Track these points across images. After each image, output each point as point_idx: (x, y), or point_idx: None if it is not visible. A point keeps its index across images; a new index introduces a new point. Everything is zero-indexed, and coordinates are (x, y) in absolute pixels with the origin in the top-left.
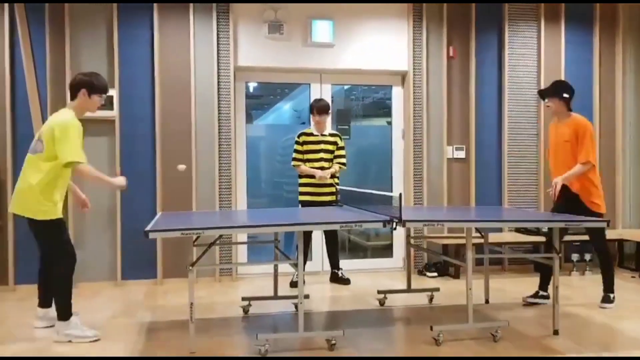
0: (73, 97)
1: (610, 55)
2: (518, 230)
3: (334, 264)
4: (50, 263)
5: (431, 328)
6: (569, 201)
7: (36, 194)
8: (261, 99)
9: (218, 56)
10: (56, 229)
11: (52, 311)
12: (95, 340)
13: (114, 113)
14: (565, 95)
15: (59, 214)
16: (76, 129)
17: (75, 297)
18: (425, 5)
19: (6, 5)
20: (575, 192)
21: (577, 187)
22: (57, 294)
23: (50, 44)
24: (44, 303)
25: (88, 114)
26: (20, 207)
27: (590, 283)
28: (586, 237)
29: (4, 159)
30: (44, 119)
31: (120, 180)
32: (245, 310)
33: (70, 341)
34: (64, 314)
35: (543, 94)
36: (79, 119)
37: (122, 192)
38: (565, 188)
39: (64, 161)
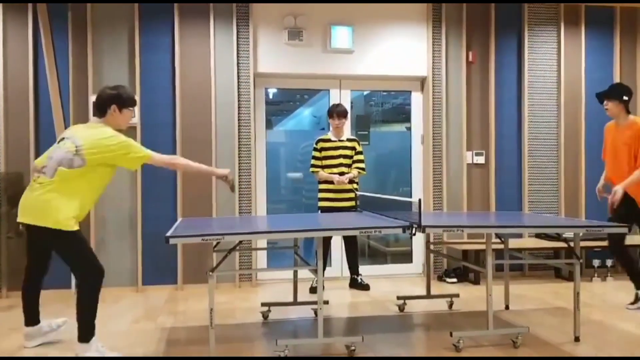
0: (103, 114)
1: (631, 58)
2: (538, 235)
3: (354, 270)
4: (78, 276)
5: (451, 334)
6: (626, 205)
7: (61, 203)
8: (281, 105)
9: (238, 63)
10: (81, 239)
11: (45, 326)
12: None
13: (135, 120)
14: (625, 97)
15: (77, 227)
16: (121, 135)
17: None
18: (445, 9)
19: (30, 12)
20: (632, 197)
21: (633, 191)
22: (82, 311)
23: (72, 51)
24: (33, 320)
25: None
26: (42, 218)
27: (612, 289)
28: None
29: (27, 167)
30: (66, 126)
31: (224, 169)
32: (265, 315)
33: None
34: (86, 334)
35: (602, 95)
36: None
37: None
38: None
39: (134, 168)
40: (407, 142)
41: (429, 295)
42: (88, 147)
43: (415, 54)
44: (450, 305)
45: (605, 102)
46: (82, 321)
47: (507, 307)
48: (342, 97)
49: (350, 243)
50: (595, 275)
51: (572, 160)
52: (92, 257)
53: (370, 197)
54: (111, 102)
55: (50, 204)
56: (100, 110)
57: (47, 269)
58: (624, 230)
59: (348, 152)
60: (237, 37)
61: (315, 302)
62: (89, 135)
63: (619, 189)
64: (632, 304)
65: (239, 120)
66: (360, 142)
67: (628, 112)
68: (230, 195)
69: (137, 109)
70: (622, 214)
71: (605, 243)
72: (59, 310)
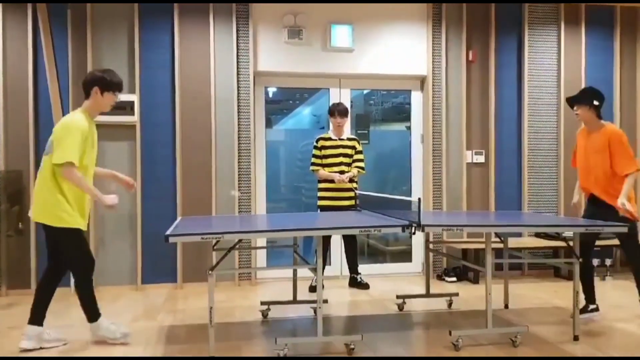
0: (87, 95)
1: (631, 58)
2: (538, 235)
3: (353, 269)
4: (71, 271)
5: (450, 333)
6: (600, 207)
7: (54, 198)
8: (280, 104)
9: (238, 61)
10: (75, 238)
11: (47, 333)
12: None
13: (134, 118)
14: (595, 102)
15: (78, 224)
16: (77, 130)
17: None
18: (445, 8)
19: (29, 11)
20: (609, 203)
21: (610, 199)
22: (81, 298)
23: (72, 50)
24: (38, 320)
25: (108, 119)
26: (39, 214)
27: (611, 288)
28: (607, 242)
29: (26, 165)
30: None
31: (111, 199)
32: (265, 314)
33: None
34: (93, 315)
35: (571, 101)
36: (94, 118)
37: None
38: (594, 196)
39: (54, 162)
40: (407, 141)
41: (428, 294)
42: (54, 132)
43: (415, 53)
44: (450, 304)
45: (575, 108)
46: (85, 307)
47: (506, 306)
48: (342, 96)
49: (349, 242)
50: (595, 274)
51: (571, 160)
52: (87, 249)
53: (370, 196)
54: (94, 84)
55: (47, 200)
56: (85, 91)
57: (61, 266)
58: (624, 229)
59: (348, 151)
60: (237, 36)
61: (314, 301)
62: (60, 121)
63: (624, 202)
64: (580, 311)
65: (238, 118)
66: (360, 141)
67: (599, 117)
68: (230, 194)
69: (136, 107)
70: (595, 216)
71: (605, 242)
72: (58, 310)
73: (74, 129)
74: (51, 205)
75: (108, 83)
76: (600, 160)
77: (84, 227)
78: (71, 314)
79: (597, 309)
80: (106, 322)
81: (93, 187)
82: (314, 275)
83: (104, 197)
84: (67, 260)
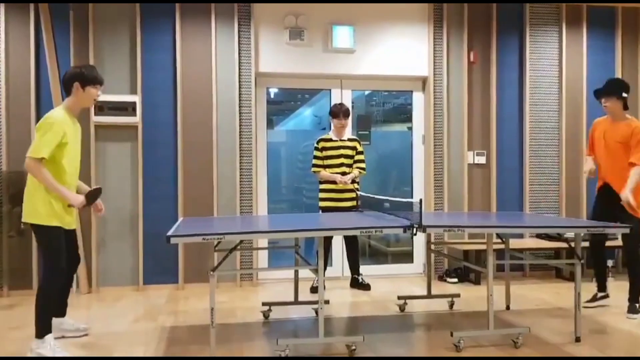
0: (68, 93)
1: (632, 58)
2: (539, 236)
3: (354, 270)
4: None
5: (451, 334)
6: (609, 202)
7: (37, 197)
8: (282, 105)
9: (239, 62)
10: (52, 236)
11: (66, 322)
12: None
13: (136, 119)
14: (624, 94)
15: (56, 222)
16: (53, 125)
17: (97, 302)
18: (446, 9)
19: (32, 12)
20: (616, 192)
21: (619, 188)
22: (38, 306)
23: (74, 50)
24: (60, 312)
25: (110, 119)
26: (25, 213)
27: (613, 289)
28: (608, 244)
29: None
30: None
31: (77, 199)
32: (266, 315)
33: None
34: (44, 330)
35: (600, 93)
36: (77, 114)
37: (88, 207)
38: (607, 187)
39: (27, 155)
40: (408, 142)
41: (429, 295)
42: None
43: (417, 54)
44: (451, 305)
45: (603, 100)
46: (38, 317)
47: (507, 307)
48: (344, 97)
49: (351, 243)
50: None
51: (573, 161)
52: (59, 255)
53: (371, 197)
54: (74, 79)
55: (29, 199)
56: (66, 89)
57: (67, 263)
58: (626, 230)
59: (349, 152)
60: (239, 37)
61: (316, 302)
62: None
63: (628, 195)
64: (590, 301)
65: (240, 119)
66: (362, 142)
67: (626, 108)
68: (231, 195)
69: (138, 108)
70: (604, 209)
71: (607, 244)
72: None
73: (50, 124)
74: (33, 201)
75: (88, 77)
76: (621, 149)
77: (66, 226)
78: (77, 314)
79: (606, 296)
80: (52, 341)
81: (58, 185)
82: (316, 276)
83: (71, 196)
84: (42, 259)
